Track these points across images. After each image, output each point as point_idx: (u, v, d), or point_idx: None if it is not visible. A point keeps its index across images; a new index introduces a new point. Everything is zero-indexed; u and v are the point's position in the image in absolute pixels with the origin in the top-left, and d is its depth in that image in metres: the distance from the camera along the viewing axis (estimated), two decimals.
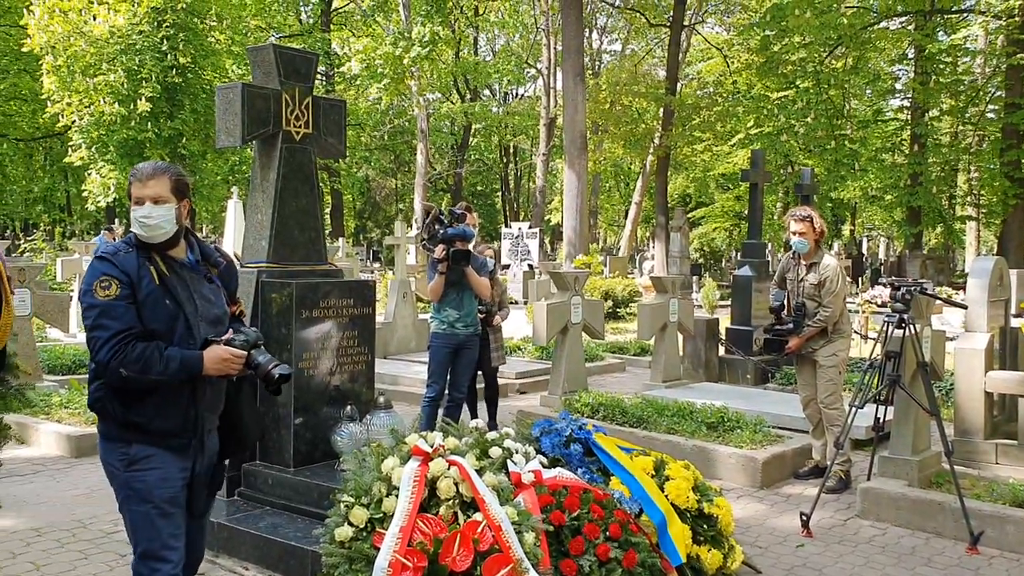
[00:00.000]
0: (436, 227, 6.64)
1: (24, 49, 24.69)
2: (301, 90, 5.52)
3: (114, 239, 18.66)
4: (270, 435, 5.23)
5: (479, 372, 7.66)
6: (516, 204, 49.68)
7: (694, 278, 25.20)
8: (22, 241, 25.38)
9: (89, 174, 25.33)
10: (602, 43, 43.39)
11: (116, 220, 25.09)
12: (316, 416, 5.22)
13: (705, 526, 4.61)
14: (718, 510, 4.69)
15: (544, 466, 4.49)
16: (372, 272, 28.32)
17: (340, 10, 40.92)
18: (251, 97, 5.26)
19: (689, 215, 33.86)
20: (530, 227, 24.36)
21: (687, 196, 42.85)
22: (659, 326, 9.58)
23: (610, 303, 18.05)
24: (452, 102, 42.57)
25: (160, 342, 3.01)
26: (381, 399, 5.23)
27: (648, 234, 44.31)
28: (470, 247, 6.72)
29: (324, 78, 39.06)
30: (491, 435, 4.49)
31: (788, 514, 5.80)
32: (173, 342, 3.03)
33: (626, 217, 39.28)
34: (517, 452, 4.47)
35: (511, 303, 8.15)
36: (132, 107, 23.25)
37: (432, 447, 4.19)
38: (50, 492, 5.93)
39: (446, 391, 6.86)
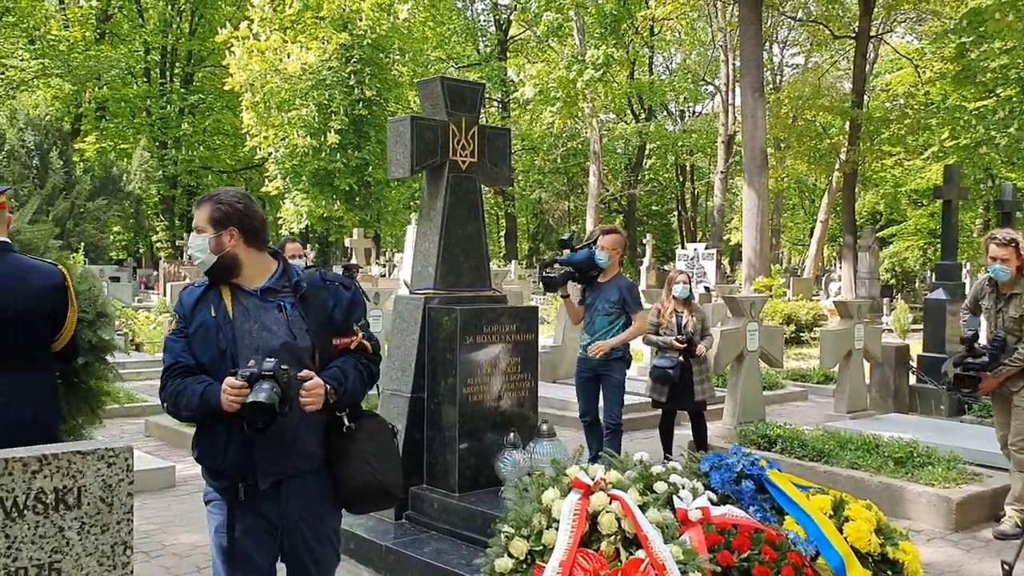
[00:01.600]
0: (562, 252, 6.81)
1: (226, 88, 26.63)
2: (467, 120, 5.60)
3: (306, 264, 19.66)
4: (437, 459, 5.30)
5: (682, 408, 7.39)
6: (693, 224, 48.80)
7: (884, 300, 23.83)
8: None
9: (283, 202, 26.95)
10: (783, 57, 42.09)
11: (308, 245, 26.48)
12: (480, 442, 5.24)
13: (889, 572, 4.28)
14: (904, 555, 4.33)
15: (713, 503, 4.29)
16: (544, 294, 28.48)
17: (516, 38, 41.76)
18: (419, 129, 5.39)
19: (879, 233, 32.14)
20: (706, 248, 23.85)
21: (877, 213, 40.76)
22: (843, 353, 9.08)
23: (793, 327, 17.32)
24: (626, 122, 42.44)
25: (202, 376, 2.86)
26: (544, 427, 5.19)
27: (835, 254, 42.40)
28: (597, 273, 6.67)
29: (500, 105, 39.95)
30: (656, 469, 4.35)
31: (987, 561, 5.30)
32: (221, 376, 2.79)
33: (811, 236, 37.73)
34: (684, 487, 4.31)
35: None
36: (322, 139, 24.59)
37: (594, 480, 4.10)
38: None
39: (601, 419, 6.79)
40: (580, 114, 29.58)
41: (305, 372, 2.81)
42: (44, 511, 2.20)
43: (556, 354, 11.51)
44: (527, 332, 5.46)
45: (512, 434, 5.17)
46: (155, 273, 29.51)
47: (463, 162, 5.59)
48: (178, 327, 2.95)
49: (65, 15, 36.99)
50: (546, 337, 14.43)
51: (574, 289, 6.93)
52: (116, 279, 19.09)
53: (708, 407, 7.62)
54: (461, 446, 5.18)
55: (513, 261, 30.15)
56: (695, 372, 7.16)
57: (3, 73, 34.27)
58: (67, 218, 22.80)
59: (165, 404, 2.92)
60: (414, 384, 5.32)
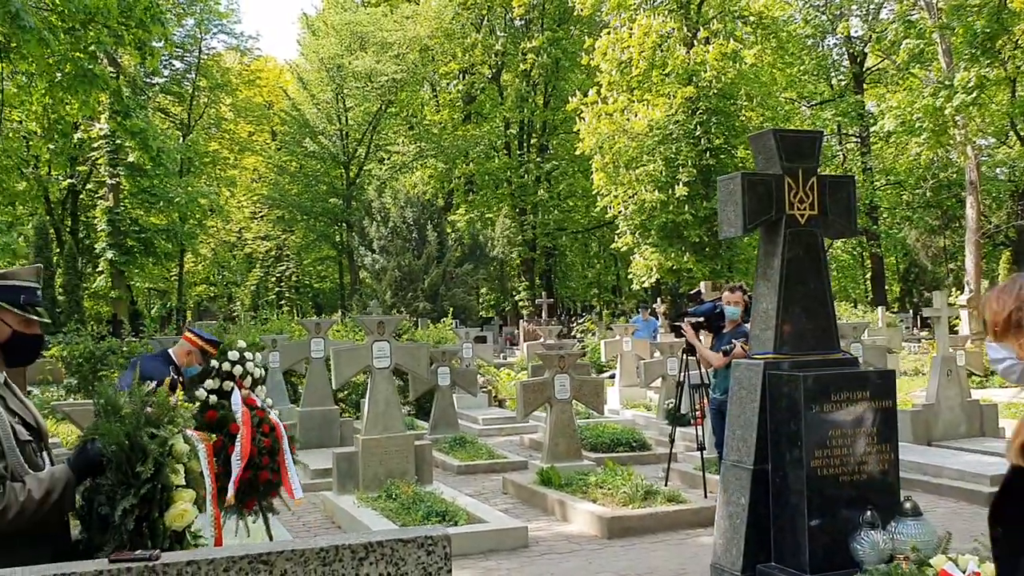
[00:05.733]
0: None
1: (577, 152, 27.90)
2: (805, 171, 5.27)
3: (648, 318, 19.74)
4: (784, 536, 4.95)
5: None
6: None
7: None
8: (575, 323, 28.31)
9: (633, 258, 27.50)
10: None
11: (659, 299, 26.72)
12: (833, 519, 4.81)
13: None
14: None
15: None
16: (918, 341, 26.12)
17: (873, 68, 39.41)
18: (751, 185, 5.17)
19: None
20: None
21: None
22: None
23: None
24: (1009, 146, 38.01)
25: None
26: (907, 504, 4.64)
27: None
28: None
29: (859, 140, 37.86)
30: None
31: None
32: None
33: None
34: None
35: None
36: (670, 192, 24.79)
37: (965, 572, 3.57)
38: (582, 572, 6.28)
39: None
40: (951, 142, 27.05)
41: None
42: None
43: (929, 413, 10.38)
44: (884, 398, 4.96)
45: (869, 512, 4.68)
46: (516, 330, 31.36)
47: (801, 215, 5.26)
48: None
49: (437, 101, 41.19)
50: (919, 391, 13.14)
51: (705, 337, 8.31)
52: (482, 339, 20.55)
53: None
54: (811, 523, 4.79)
55: (880, 307, 28.01)
56: None
57: (389, 158, 38.87)
58: (440, 284, 25.03)
59: None
60: (756, 455, 5.02)
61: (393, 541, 2.34)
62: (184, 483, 2.63)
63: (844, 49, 40.14)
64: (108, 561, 2.11)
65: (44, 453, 2.68)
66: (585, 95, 26.67)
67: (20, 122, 17.13)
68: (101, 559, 2.16)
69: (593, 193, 28.67)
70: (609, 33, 27.12)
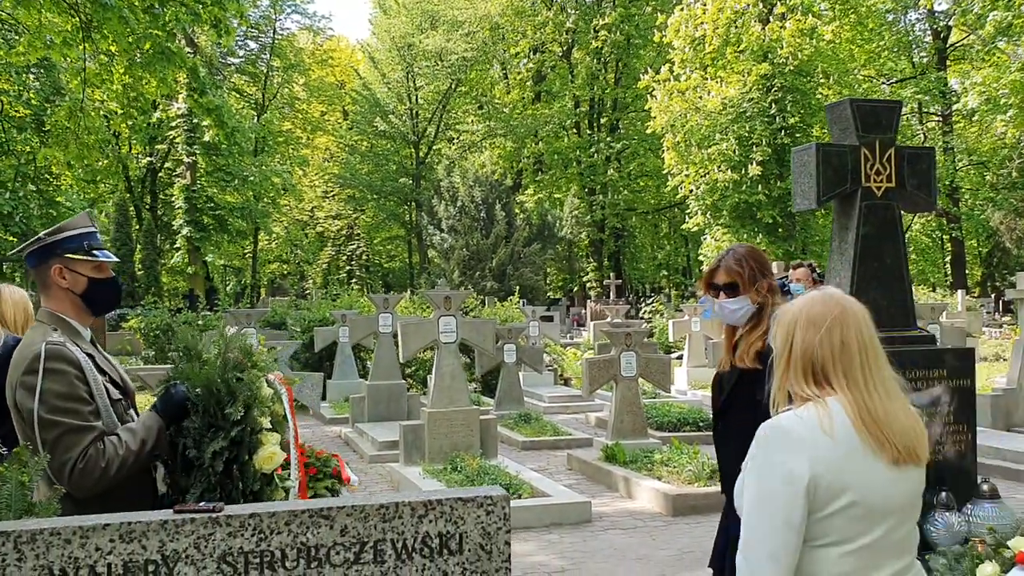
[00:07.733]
0: None
1: (648, 131, 27.55)
2: (882, 142, 5.10)
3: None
4: None
5: None
6: None
7: None
8: (643, 304, 28.08)
9: (704, 238, 27.14)
10: None
11: None
12: None
13: None
14: None
15: None
16: (1000, 327, 25.28)
17: (958, 44, 38.04)
18: (826, 156, 5.02)
19: None
20: None
21: None
22: None
23: None
24: None
25: None
26: (985, 486, 4.49)
27: None
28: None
29: (941, 119, 36.68)
30: None
31: None
32: None
33: None
34: None
35: None
36: (743, 172, 24.34)
37: None
38: (644, 548, 6.24)
39: None
40: None
41: None
42: (430, 555, 2.30)
43: (1010, 398, 10.02)
44: (962, 376, 4.79)
45: (944, 493, 4.53)
46: (584, 311, 31.27)
47: (878, 188, 5.09)
48: None
49: (506, 80, 41.12)
50: (999, 376, 12.72)
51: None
52: (549, 319, 20.52)
53: None
54: None
55: (960, 291, 27.17)
56: None
57: (458, 137, 38.96)
58: (507, 263, 25.05)
59: None
60: None
61: (452, 500, 2.34)
62: (270, 426, 2.66)
63: (927, 24, 38.82)
64: (173, 512, 2.14)
65: (132, 411, 2.74)
66: (657, 72, 26.31)
67: (101, 101, 17.62)
68: (166, 510, 2.19)
69: (664, 173, 28.34)
70: (682, 9, 26.69)
